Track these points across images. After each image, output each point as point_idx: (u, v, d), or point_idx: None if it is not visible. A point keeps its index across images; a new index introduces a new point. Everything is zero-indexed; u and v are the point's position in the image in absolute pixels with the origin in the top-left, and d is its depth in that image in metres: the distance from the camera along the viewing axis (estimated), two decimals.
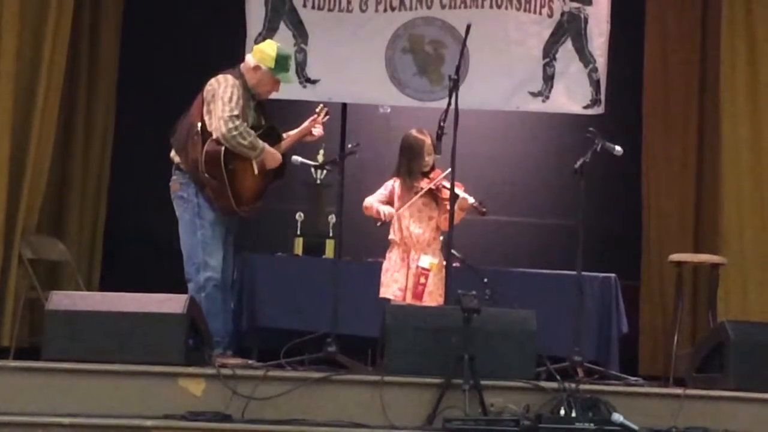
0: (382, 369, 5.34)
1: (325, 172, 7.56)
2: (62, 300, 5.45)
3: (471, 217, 6.37)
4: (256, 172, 6.20)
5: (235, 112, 6.01)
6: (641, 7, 8.26)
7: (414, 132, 6.41)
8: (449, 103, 6.09)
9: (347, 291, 6.26)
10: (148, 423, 4.90)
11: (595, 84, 7.99)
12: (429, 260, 6.28)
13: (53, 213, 7.88)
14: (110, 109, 8.27)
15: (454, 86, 6.08)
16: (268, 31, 7.95)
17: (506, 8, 8.04)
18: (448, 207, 6.08)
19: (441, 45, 8.11)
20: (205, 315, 5.70)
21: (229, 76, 6.14)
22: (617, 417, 4.90)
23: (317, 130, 6.45)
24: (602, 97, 7.97)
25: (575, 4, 8.02)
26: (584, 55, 8.01)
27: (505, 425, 4.93)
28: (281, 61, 6.23)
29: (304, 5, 8.07)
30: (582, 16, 8.01)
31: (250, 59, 6.27)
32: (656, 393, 5.47)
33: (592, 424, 4.88)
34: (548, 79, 8.02)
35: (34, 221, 7.26)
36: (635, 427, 4.88)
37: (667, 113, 8.29)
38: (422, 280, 6.24)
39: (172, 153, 6.21)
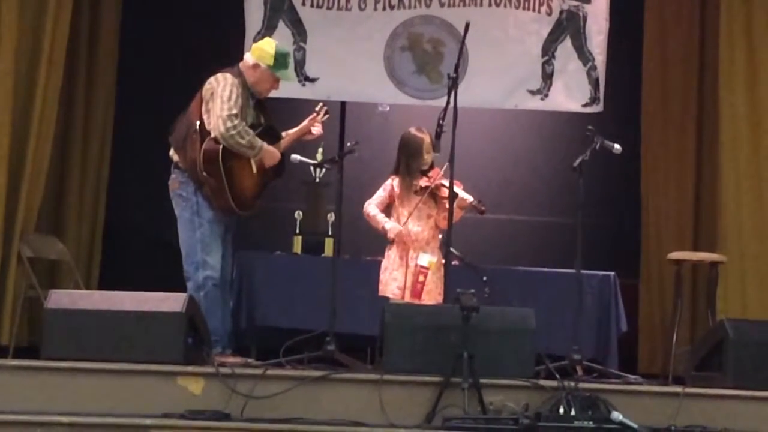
0: (381, 367, 5.34)
1: (324, 170, 7.56)
2: (61, 299, 5.45)
3: (470, 215, 6.37)
4: (254, 170, 6.19)
5: (234, 111, 6.01)
6: (640, 6, 8.26)
7: (413, 130, 6.40)
8: (448, 102, 6.09)
9: (346, 289, 6.27)
10: (148, 422, 4.90)
11: (594, 82, 7.99)
12: (428, 259, 6.27)
13: (52, 212, 7.88)
14: (109, 107, 8.27)
15: (453, 84, 6.08)
16: (267, 30, 7.95)
17: (505, 6, 8.04)
18: (447, 205, 6.07)
19: (440, 43, 8.11)
20: (204, 314, 5.70)
21: (228, 75, 6.13)
22: (616, 415, 4.91)
23: (316, 129, 6.45)
24: (601, 95, 7.98)
25: (574, 2, 8.02)
26: (583, 54, 8.01)
27: (504, 424, 4.93)
28: (280, 59, 6.23)
29: (303, 4, 8.07)
30: (581, 14, 8.02)
31: (249, 57, 6.27)
32: (655, 391, 5.46)
33: (591, 423, 4.88)
34: (547, 77, 8.02)
35: (33, 220, 7.26)
36: (634, 426, 4.88)
37: (666, 111, 8.29)
38: (421, 278, 6.24)
39: (171, 151, 6.21)
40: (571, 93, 8.02)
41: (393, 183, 6.41)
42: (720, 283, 7.33)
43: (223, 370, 5.18)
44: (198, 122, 6.07)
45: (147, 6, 8.39)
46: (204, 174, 6.02)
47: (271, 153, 6.20)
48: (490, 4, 8.05)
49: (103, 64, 8.22)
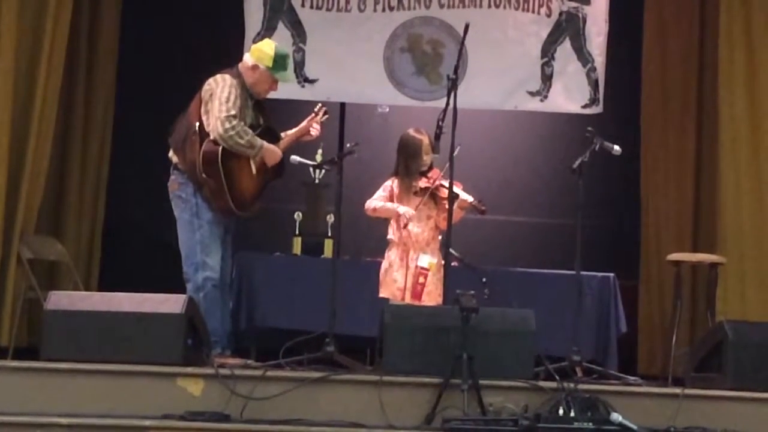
0: (381, 369, 5.34)
1: (323, 171, 7.56)
2: (61, 300, 5.45)
3: (469, 216, 6.37)
4: (254, 171, 6.19)
5: (233, 112, 6.01)
6: (640, 6, 8.25)
7: (412, 131, 6.41)
8: (447, 103, 6.09)
9: (346, 291, 6.26)
10: (147, 423, 4.90)
11: (594, 83, 8.00)
12: (428, 260, 6.27)
13: (52, 213, 7.88)
14: (109, 108, 8.27)
15: (453, 86, 6.08)
16: (267, 31, 7.96)
17: (505, 8, 8.05)
18: (447, 206, 6.07)
19: (439, 44, 8.12)
20: (204, 315, 5.70)
21: (227, 76, 6.13)
22: (616, 417, 4.91)
23: (315, 130, 6.45)
24: (600, 96, 7.98)
25: (573, 4, 8.03)
26: (583, 55, 8.01)
27: (504, 425, 4.93)
28: (279, 60, 6.23)
29: (303, 5, 8.08)
30: (580, 15, 8.02)
31: (248, 58, 6.27)
32: (655, 393, 5.46)
33: (590, 424, 4.88)
34: (547, 78, 8.02)
35: (33, 221, 7.26)
36: (634, 427, 4.89)
37: (665, 112, 8.29)
38: (421, 279, 6.24)
39: (170, 153, 6.21)
40: (571, 94, 8.02)
41: (393, 184, 6.41)
42: (719, 284, 7.33)
43: (222, 371, 5.18)
44: (197, 123, 6.08)
45: (147, 6, 8.39)
46: (203, 175, 6.02)
47: (272, 151, 6.20)
48: (489, 6, 8.06)
49: (103, 64, 8.22)
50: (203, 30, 8.32)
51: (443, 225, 6.19)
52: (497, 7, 8.06)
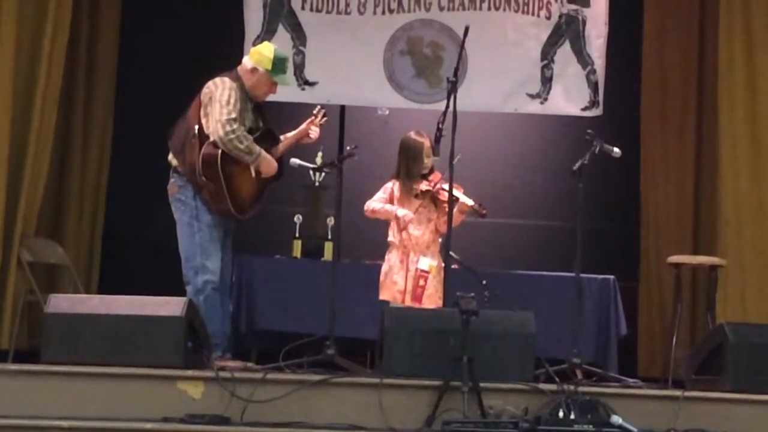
0: (381, 371, 5.34)
1: (323, 174, 7.55)
2: (61, 303, 5.45)
3: (470, 219, 6.37)
4: (253, 174, 6.19)
5: (233, 116, 6.01)
6: (640, 7, 8.26)
7: (412, 134, 6.41)
8: (447, 105, 6.09)
9: (346, 293, 6.26)
10: (147, 426, 4.90)
11: (594, 86, 8.00)
12: (428, 262, 6.27)
13: (52, 216, 7.87)
14: (108, 111, 8.27)
15: (453, 88, 6.08)
16: (266, 34, 7.96)
17: (504, 10, 8.05)
18: (448, 209, 6.07)
19: (439, 47, 8.12)
20: (204, 318, 5.69)
21: (227, 79, 6.13)
22: (616, 419, 4.91)
23: (314, 132, 6.45)
24: (600, 99, 7.99)
25: (573, 6, 8.04)
26: (582, 57, 8.02)
27: (504, 427, 4.92)
28: (278, 63, 6.23)
29: (303, 7, 8.08)
30: (580, 18, 8.02)
31: (248, 61, 6.27)
32: (655, 395, 5.47)
33: (590, 426, 4.88)
34: (546, 81, 8.02)
35: (33, 224, 7.25)
36: (634, 429, 4.89)
37: (665, 115, 8.29)
38: (421, 282, 6.24)
39: (170, 156, 6.21)
40: (571, 97, 8.03)
41: (393, 186, 6.41)
42: (719, 286, 7.32)
43: (222, 374, 5.18)
44: (197, 126, 6.07)
45: (147, 7, 8.39)
46: (203, 178, 6.02)
47: (269, 162, 6.18)
48: (489, 8, 8.06)
49: (102, 68, 8.21)
50: (203, 32, 8.31)
51: (443, 228, 6.19)
52: (497, 9, 8.06)
